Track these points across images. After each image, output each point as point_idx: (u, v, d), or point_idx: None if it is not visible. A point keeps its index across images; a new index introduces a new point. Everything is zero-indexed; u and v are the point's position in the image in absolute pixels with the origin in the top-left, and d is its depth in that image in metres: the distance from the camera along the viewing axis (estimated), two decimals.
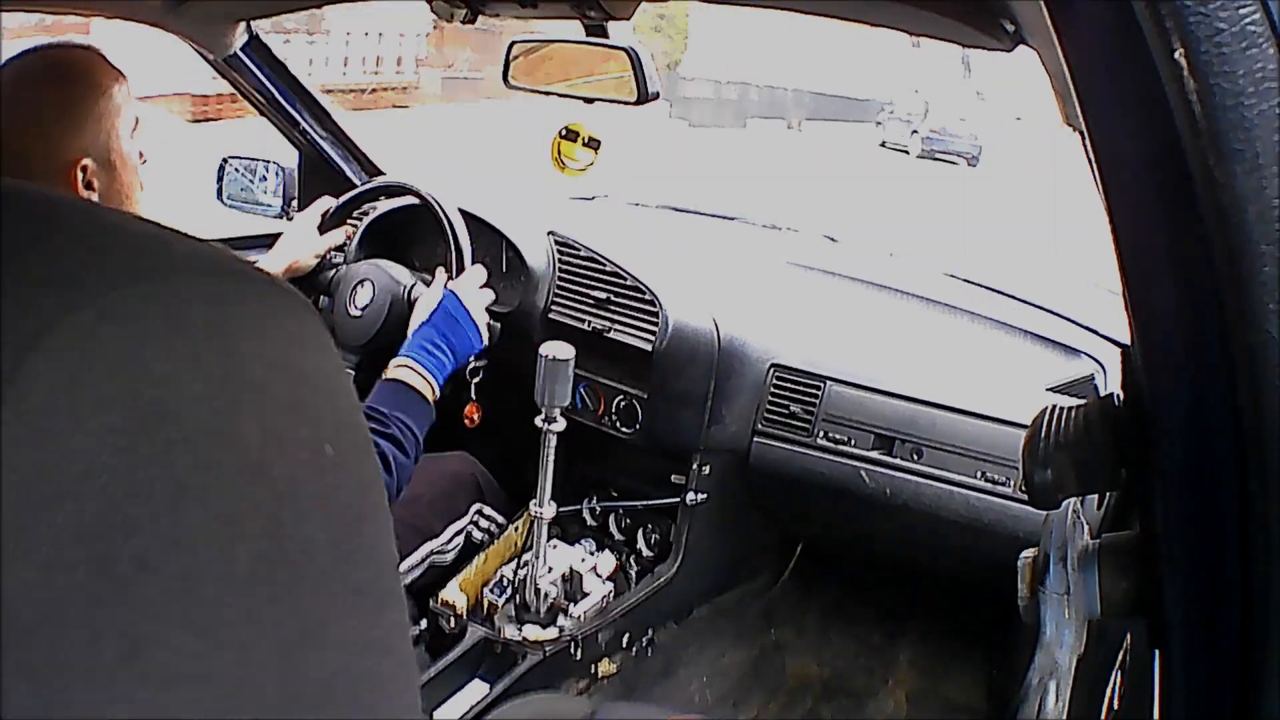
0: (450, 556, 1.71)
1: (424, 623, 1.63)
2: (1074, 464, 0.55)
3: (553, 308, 1.77)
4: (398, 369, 1.33)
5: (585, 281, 1.75)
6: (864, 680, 1.85)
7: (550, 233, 1.82)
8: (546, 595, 1.63)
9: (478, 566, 1.70)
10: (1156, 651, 0.48)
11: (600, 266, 1.74)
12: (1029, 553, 0.66)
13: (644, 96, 1.33)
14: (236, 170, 1.94)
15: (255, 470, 0.24)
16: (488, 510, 1.78)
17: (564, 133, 1.53)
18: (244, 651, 0.23)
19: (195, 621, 0.22)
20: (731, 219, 2.28)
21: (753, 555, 1.97)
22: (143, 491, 0.21)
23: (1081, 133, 0.59)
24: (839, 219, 2.33)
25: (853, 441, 1.62)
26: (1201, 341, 0.40)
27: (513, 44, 1.49)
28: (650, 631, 1.76)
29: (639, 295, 1.69)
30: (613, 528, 1.90)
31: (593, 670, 1.66)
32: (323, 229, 1.67)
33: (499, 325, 1.57)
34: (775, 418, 1.68)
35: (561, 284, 1.77)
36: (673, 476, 1.77)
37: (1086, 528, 0.63)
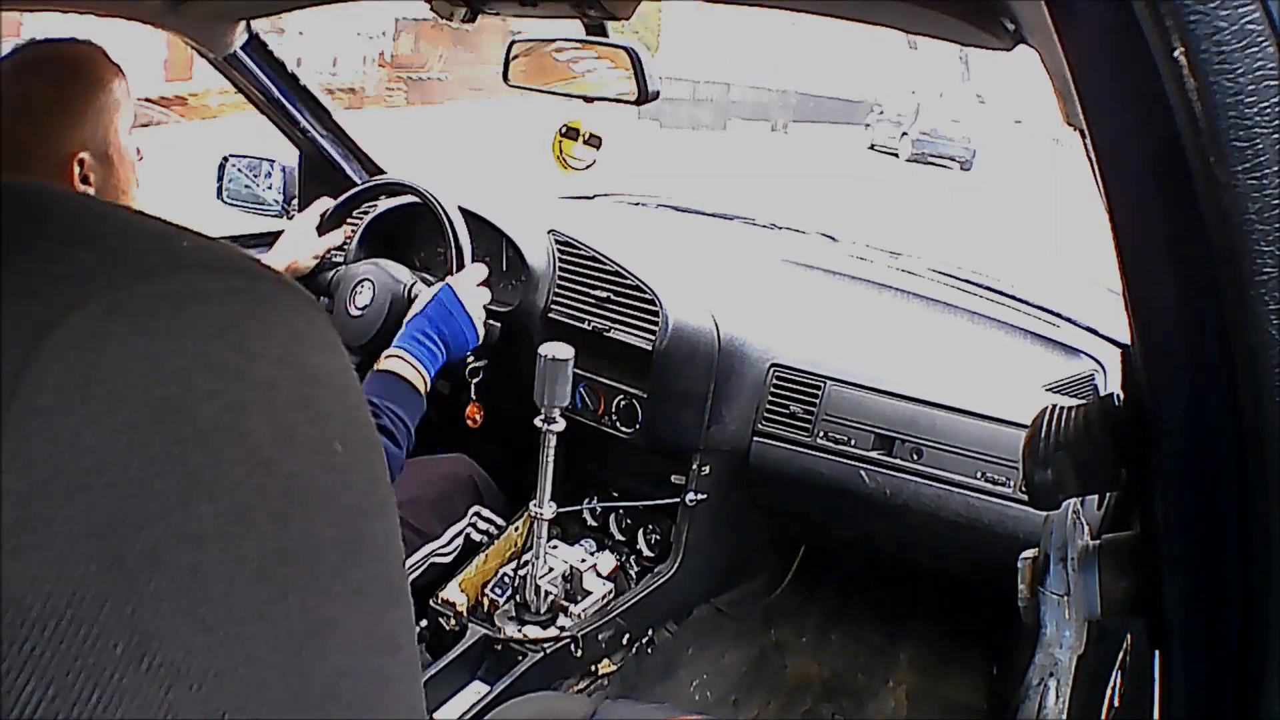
0: (450, 558, 1.71)
1: (424, 622, 1.63)
2: (1074, 464, 0.55)
3: (553, 307, 1.77)
4: (389, 359, 1.33)
5: (585, 281, 1.75)
6: (864, 680, 1.85)
7: (551, 231, 1.82)
8: (547, 594, 1.63)
9: (478, 566, 1.70)
10: (1156, 651, 0.48)
11: (601, 266, 1.74)
12: (1029, 553, 0.66)
13: (644, 96, 1.33)
14: (237, 169, 1.94)
15: (265, 467, 0.24)
16: (485, 512, 1.78)
17: (564, 130, 1.53)
18: (252, 648, 0.23)
19: (204, 617, 0.22)
20: (731, 218, 2.28)
21: (753, 555, 1.97)
22: (153, 487, 0.21)
23: (1082, 132, 0.59)
24: (818, 222, 2.32)
25: (853, 441, 1.62)
26: (1201, 341, 0.40)
27: (513, 43, 1.49)
28: (650, 631, 1.76)
29: (639, 295, 1.69)
30: (613, 527, 1.90)
31: (593, 669, 1.66)
32: (322, 229, 1.67)
33: (499, 325, 1.56)
34: (775, 418, 1.68)
35: (562, 283, 1.77)
36: (673, 476, 1.77)
37: (1086, 528, 0.63)
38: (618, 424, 1.73)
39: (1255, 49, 0.36)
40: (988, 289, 1.93)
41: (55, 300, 0.21)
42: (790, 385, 1.68)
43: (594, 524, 1.92)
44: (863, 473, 1.61)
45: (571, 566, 1.69)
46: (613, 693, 1.66)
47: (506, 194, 2.04)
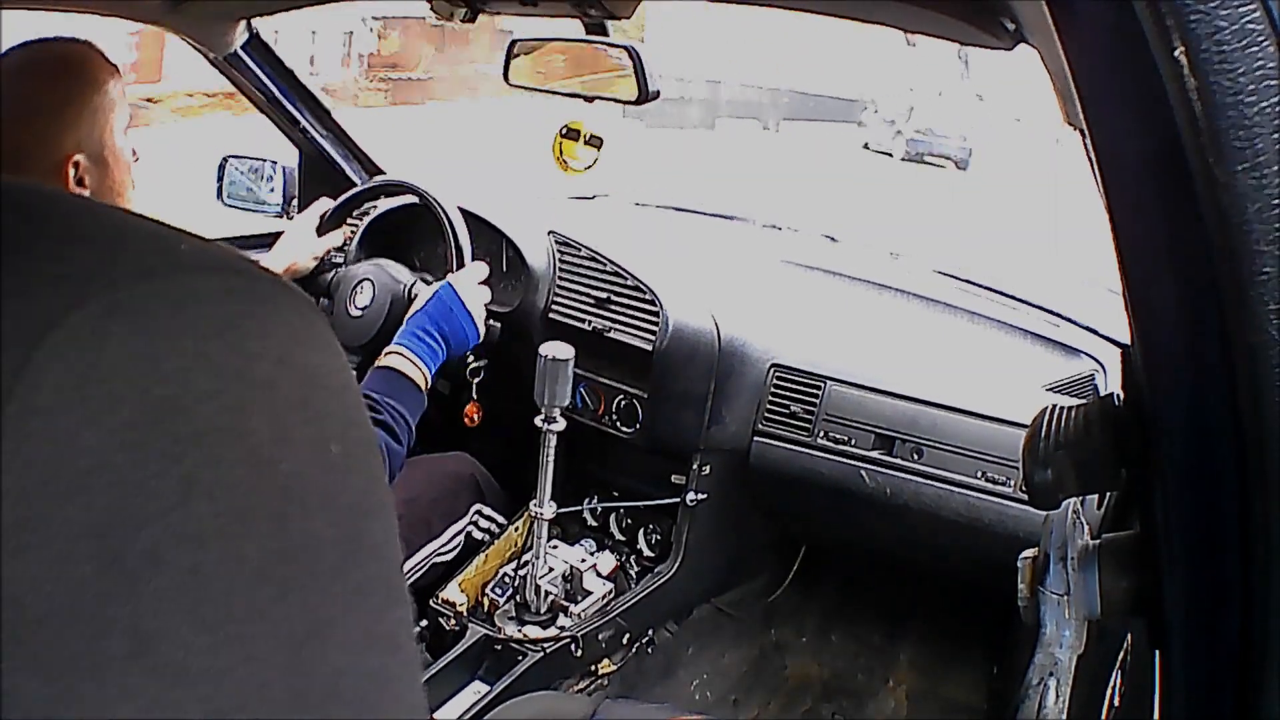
0: (450, 556, 1.71)
1: (424, 622, 1.63)
2: (1074, 464, 0.55)
3: (553, 307, 1.77)
4: (390, 356, 1.33)
5: (586, 281, 1.75)
6: (864, 680, 1.85)
7: (551, 232, 1.82)
8: (547, 594, 1.63)
9: (478, 566, 1.70)
10: (1156, 651, 0.48)
11: (601, 266, 1.74)
12: (1029, 553, 0.66)
13: (645, 95, 1.33)
14: (237, 169, 1.94)
15: (263, 467, 0.24)
16: (487, 510, 1.78)
17: (565, 131, 1.52)
18: (251, 647, 0.23)
19: (203, 617, 0.22)
20: (732, 219, 2.28)
21: (753, 555, 1.97)
22: (151, 487, 0.21)
23: (1082, 131, 0.59)
24: (815, 223, 2.31)
25: (853, 441, 1.62)
26: (1201, 341, 0.40)
27: (513, 43, 1.49)
28: (650, 631, 1.76)
29: (639, 295, 1.69)
30: (613, 527, 1.90)
31: (593, 669, 1.66)
32: (321, 230, 1.67)
33: (499, 325, 1.56)
34: (775, 418, 1.68)
35: (562, 283, 1.77)
36: (673, 476, 1.77)
37: (1086, 528, 0.63)
38: (618, 424, 1.73)
39: (1255, 49, 0.36)
40: (988, 289, 1.93)
41: (54, 301, 0.21)
42: (790, 385, 1.68)
43: (594, 524, 1.92)
44: (863, 472, 1.61)
45: (571, 566, 1.69)
46: (613, 693, 1.66)
47: (506, 194, 2.04)
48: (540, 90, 1.57)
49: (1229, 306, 0.38)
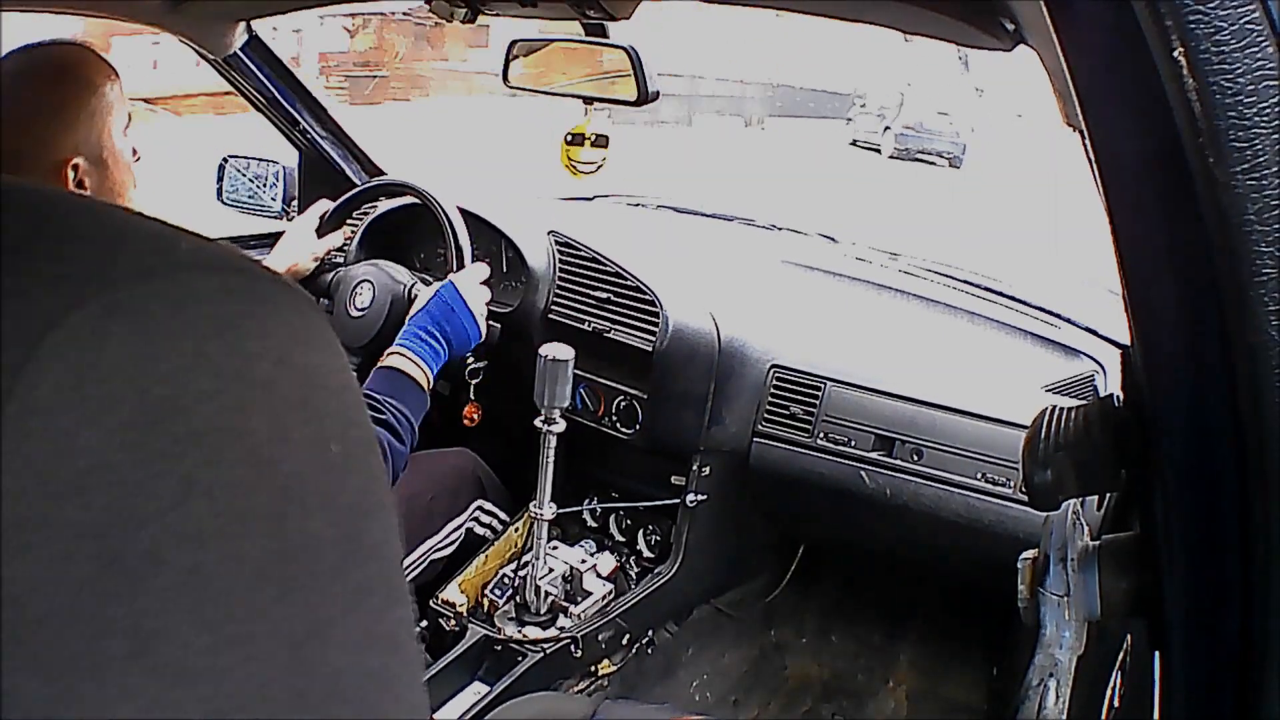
0: (450, 551, 1.71)
1: (424, 622, 1.63)
2: (1074, 465, 0.55)
3: (553, 308, 1.77)
4: (391, 356, 1.33)
5: (586, 282, 1.75)
6: (864, 680, 1.85)
7: (551, 232, 1.82)
8: (547, 595, 1.63)
9: (478, 566, 1.70)
10: (1156, 652, 0.48)
11: (601, 267, 1.74)
12: (1029, 554, 0.66)
13: (644, 95, 1.33)
14: (236, 170, 1.94)
15: (263, 467, 0.24)
16: (488, 506, 1.78)
17: (569, 139, 1.52)
18: (252, 648, 0.23)
19: (203, 617, 0.22)
20: (731, 219, 2.28)
21: (753, 555, 1.97)
22: (150, 487, 0.21)
23: (1081, 132, 0.59)
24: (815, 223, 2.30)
25: (853, 442, 1.62)
26: (1201, 341, 0.40)
27: (513, 43, 1.49)
28: (650, 631, 1.76)
29: (639, 295, 1.69)
30: (613, 528, 1.90)
31: (593, 670, 1.66)
32: (321, 231, 1.67)
33: (499, 326, 1.56)
34: (775, 418, 1.68)
35: (562, 284, 1.77)
36: (673, 477, 1.77)
37: (1086, 529, 0.63)
38: (618, 425, 1.73)
39: (1255, 49, 0.36)
40: (988, 290, 1.93)
41: (53, 301, 0.21)
42: (790, 386, 1.68)
43: (594, 525, 1.92)
44: (863, 473, 1.61)
45: (571, 567, 1.68)
46: (613, 693, 1.66)
47: (506, 195, 2.04)
48: (540, 91, 1.58)
49: (1229, 306, 0.38)
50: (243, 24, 1.73)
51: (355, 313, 1.56)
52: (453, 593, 1.64)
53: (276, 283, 0.27)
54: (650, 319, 1.66)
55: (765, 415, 1.69)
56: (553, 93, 1.56)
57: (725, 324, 1.71)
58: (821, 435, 1.64)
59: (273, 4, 1.65)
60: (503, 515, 1.79)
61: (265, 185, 1.92)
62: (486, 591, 1.67)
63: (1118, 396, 0.61)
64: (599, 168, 1.55)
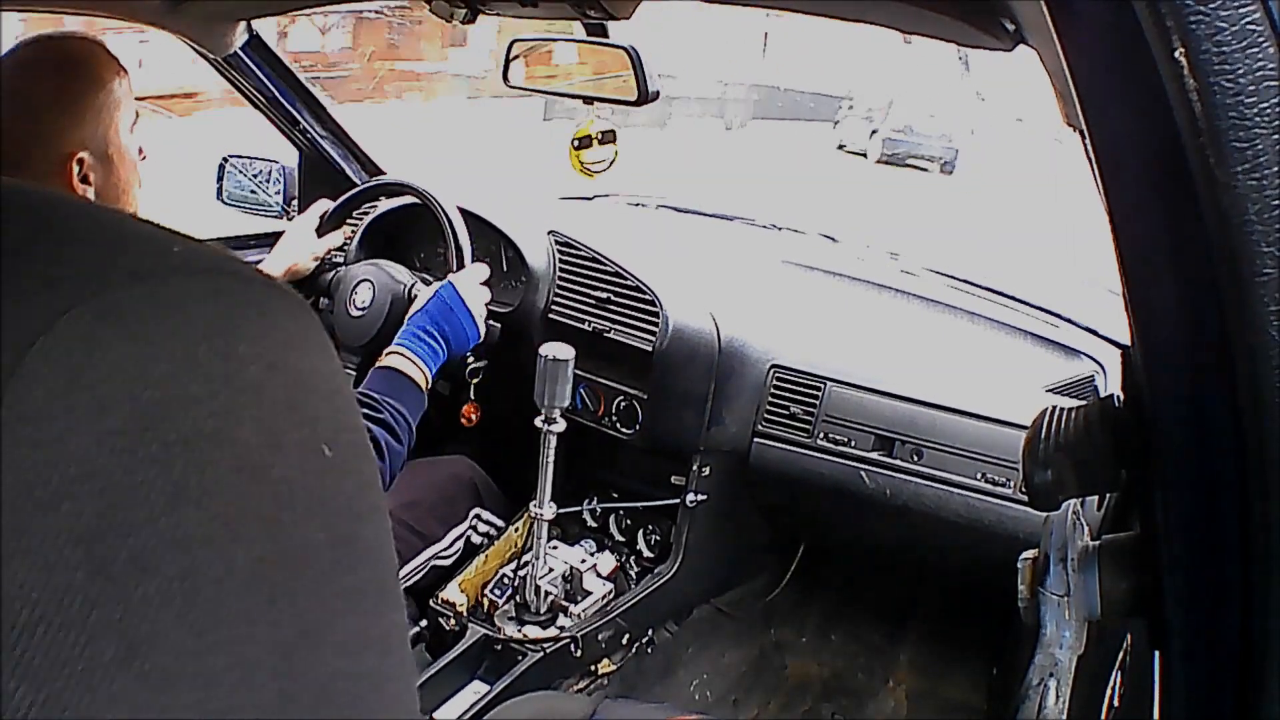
0: (450, 561, 1.71)
1: (424, 622, 1.63)
2: (1074, 465, 0.55)
3: (553, 308, 1.77)
4: (390, 356, 1.33)
5: (586, 281, 1.75)
6: (864, 680, 1.85)
7: (551, 232, 1.82)
8: (547, 594, 1.63)
9: (478, 566, 1.70)
10: (1156, 652, 0.48)
11: (601, 266, 1.74)
12: (1029, 554, 0.66)
13: (644, 95, 1.33)
14: (236, 170, 1.94)
15: (254, 471, 0.24)
16: (486, 514, 1.78)
17: (575, 143, 1.52)
18: (242, 652, 0.23)
19: (193, 622, 0.22)
20: (732, 219, 2.28)
21: (753, 555, 1.97)
22: (141, 492, 0.21)
23: (1082, 132, 0.59)
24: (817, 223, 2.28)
25: (853, 442, 1.62)
26: (1201, 341, 0.40)
27: (513, 43, 1.49)
28: (650, 631, 1.76)
29: (639, 295, 1.69)
30: (613, 528, 1.90)
31: (593, 669, 1.66)
32: (321, 231, 1.67)
33: (499, 326, 1.56)
34: (775, 418, 1.68)
35: (562, 284, 1.77)
36: (673, 477, 1.77)
37: (1086, 529, 0.63)
38: (618, 425, 1.73)
39: (1255, 49, 0.36)
40: (988, 290, 1.93)
41: (45, 304, 0.21)
42: (790, 386, 1.68)
43: (594, 524, 1.92)
44: (863, 473, 1.61)
45: (571, 567, 1.68)
46: (613, 693, 1.66)
47: (506, 194, 2.03)
48: (539, 91, 1.57)
49: (1229, 306, 0.38)
50: (243, 23, 1.73)
51: (355, 312, 1.56)
52: (453, 592, 1.64)
53: (269, 286, 0.26)
54: (650, 319, 1.66)
55: (765, 415, 1.69)
56: (553, 93, 1.56)
57: (725, 324, 1.71)
58: (821, 435, 1.64)
59: (273, 4, 1.65)
60: (500, 524, 1.79)
61: (265, 185, 1.92)
62: (486, 591, 1.67)
63: (1118, 396, 0.61)
64: (611, 164, 1.55)
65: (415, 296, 1.51)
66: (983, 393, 1.58)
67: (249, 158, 1.94)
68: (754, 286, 1.90)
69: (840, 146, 17.17)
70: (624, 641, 1.71)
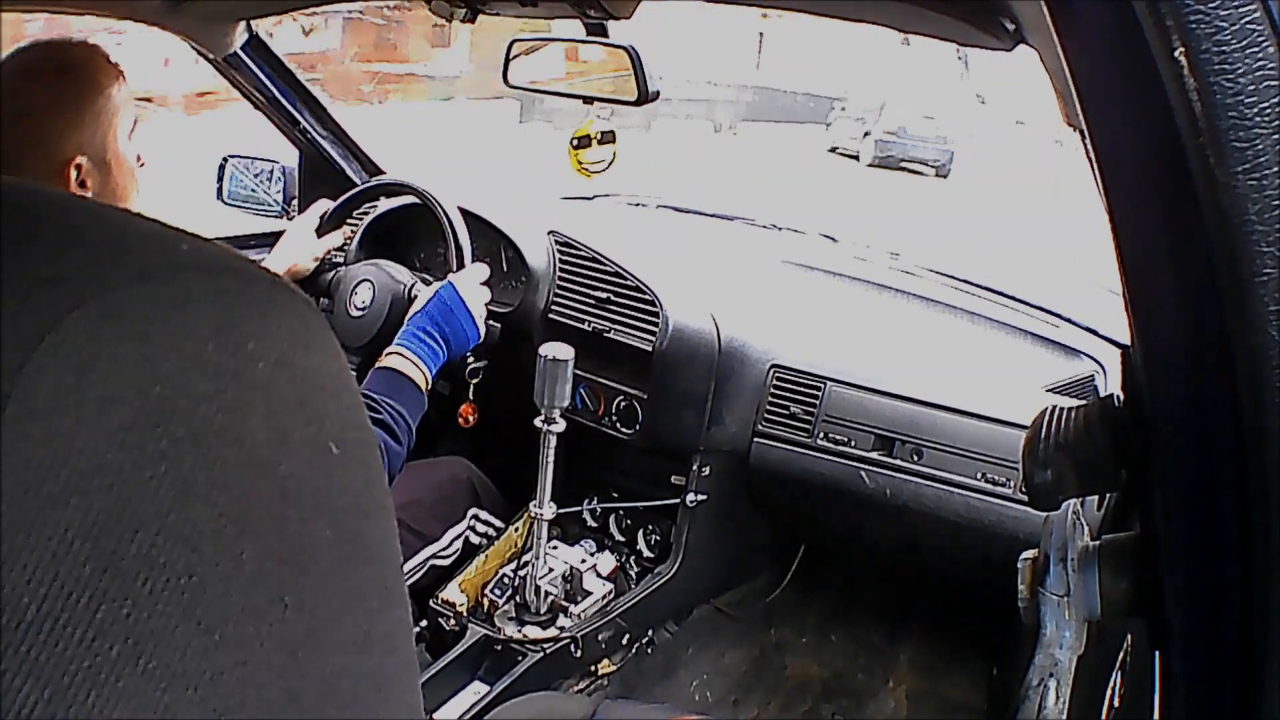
0: (449, 560, 1.71)
1: (424, 622, 1.63)
2: (1074, 465, 0.55)
3: (553, 308, 1.77)
4: (390, 356, 1.33)
5: (586, 281, 1.75)
6: (864, 680, 1.85)
7: (551, 232, 1.82)
8: (547, 595, 1.63)
9: (478, 566, 1.70)
10: (1156, 652, 0.48)
11: (601, 266, 1.74)
12: (1029, 554, 0.66)
13: (644, 95, 1.33)
14: (237, 169, 1.94)
15: (261, 469, 0.24)
16: (484, 515, 1.78)
17: (575, 143, 1.52)
18: (249, 649, 0.23)
19: (200, 619, 0.22)
20: (732, 219, 2.28)
21: (753, 555, 1.97)
22: (148, 489, 0.21)
23: (1082, 132, 0.59)
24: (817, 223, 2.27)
25: (853, 442, 1.62)
26: (1201, 341, 0.40)
27: (513, 42, 1.49)
28: (650, 631, 1.76)
29: (639, 295, 1.69)
30: (613, 528, 1.90)
31: (593, 669, 1.66)
32: (321, 231, 1.67)
33: (499, 326, 1.56)
34: (775, 418, 1.68)
35: (562, 284, 1.77)
36: (673, 477, 1.77)
37: (1086, 529, 0.63)
38: (618, 425, 1.73)
39: (1255, 49, 0.36)
40: (988, 289, 1.93)
41: (52, 302, 0.21)
42: (790, 386, 1.68)
43: (594, 524, 1.92)
44: (863, 473, 1.61)
45: (571, 567, 1.68)
46: (613, 693, 1.66)
47: (506, 194, 2.03)
48: (540, 91, 1.57)
49: (1229, 306, 0.38)
50: (243, 23, 1.73)
51: (355, 312, 1.56)
52: (453, 592, 1.64)
53: (275, 284, 0.27)
54: (650, 319, 1.66)
55: (765, 415, 1.69)
56: (553, 92, 1.56)
57: (725, 324, 1.71)
58: (821, 435, 1.64)
59: (273, 4, 1.65)
60: (498, 524, 1.79)
61: (266, 185, 1.92)
62: (486, 591, 1.67)
63: (1118, 396, 0.61)
64: (609, 164, 1.55)
65: (415, 296, 1.50)
66: (983, 393, 1.59)
67: (249, 158, 1.94)
68: (754, 286, 1.90)
69: (833, 149, 16.63)
70: (624, 642, 1.71)
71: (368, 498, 0.27)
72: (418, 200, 1.62)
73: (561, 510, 1.64)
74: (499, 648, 1.57)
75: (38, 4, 1.58)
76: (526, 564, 1.62)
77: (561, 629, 1.61)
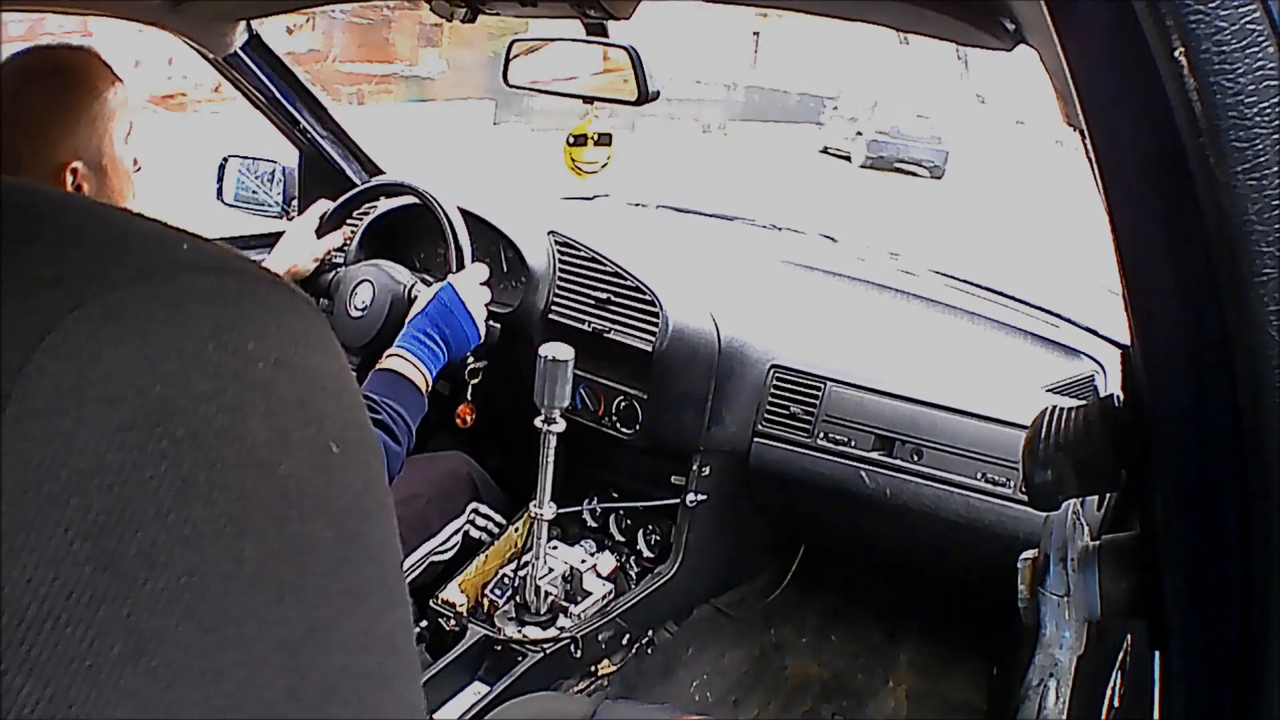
0: (449, 555, 1.71)
1: (424, 622, 1.63)
2: (1074, 465, 0.55)
3: (553, 308, 1.77)
4: (390, 358, 1.33)
5: (585, 282, 1.75)
6: (864, 680, 1.85)
7: (551, 232, 1.82)
8: (547, 595, 1.63)
9: (478, 566, 1.70)
10: (1156, 652, 0.48)
11: (601, 267, 1.74)
12: (1029, 554, 0.66)
13: (644, 95, 1.33)
14: (237, 169, 1.94)
15: (261, 468, 0.24)
16: (484, 509, 1.78)
17: (571, 141, 1.52)
18: (249, 649, 0.23)
19: (200, 619, 0.22)
20: (732, 219, 2.28)
21: (753, 555, 1.97)
22: (149, 489, 0.21)
23: (1082, 132, 0.59)
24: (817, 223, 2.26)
25: (853, 442, 1.62)
26: (1201, 341, 0.40)
27: (513, 42, 1.49)
28: (650, 631, 1.76)
29: (639, 296, 1.69)
30: (613, 528, 1.90)
31: (593, 670, 1.66)
32: (321, 231, 1.67)
33: (499, 326, 1.56)
34: (775, 418, 1.68)
35: (562, 284, 1.77)
36: (673, 477, 1.77)
37: (1086, 528, 0.63)
38: (618, 425, 1.73)
39: (1255, 49, 0.36)
40: (988, 290, 1.93)
41: (52, 302, 0.21)
42: (790, 386, 1.68)
43: (594, 525, 1.92)
44: (863, 473, 1.61)
45: (571, 567, 1.68)
46: (613, 693, 1.66)
47: (506, 195, 2.03)
48: (540, 91, 1.57)
49: (1229, 306, 0.38)
50: (243, 23, 1.73)
51: (355, 313, 1.56)
52: (453, 593, 1.64)
53: (276, 284, 0.27)
54: (650, 319, 1.66)
55: (765, 415, 1.69)
56: (552, 92, 1.56)
57: (725, 324, 1.71)
58: (821, 435, 1.64)
59: (273, 4, 1.65)
60: (498, 518, 1.79)
61: (266, 185, 1.92)
62: (486, 591, 1.67)
63: (1118, 396, 0.61)
64: (604, 167, 1.55)
65: (415, 297, 1.50)
66: (983, 393, 1.59)
67: (249, 158, 1.94)
68: (754, 287, 1.90)
69: (825, 150, 16.36)
70: (624, 642, 1.71)
71: (368, 497, 0.27)
72: (417, 200, 1.61)
73: (561, 510, 1.64)
74: (499, 648, 1.57)
75: (38, 4, 1.58)
76: (526, 564, 1.62)
77: (561, 629, 1.61)
